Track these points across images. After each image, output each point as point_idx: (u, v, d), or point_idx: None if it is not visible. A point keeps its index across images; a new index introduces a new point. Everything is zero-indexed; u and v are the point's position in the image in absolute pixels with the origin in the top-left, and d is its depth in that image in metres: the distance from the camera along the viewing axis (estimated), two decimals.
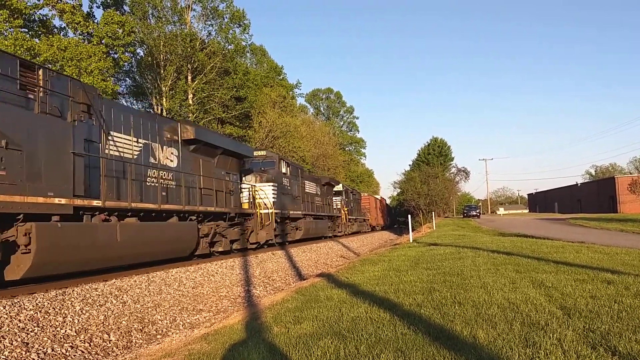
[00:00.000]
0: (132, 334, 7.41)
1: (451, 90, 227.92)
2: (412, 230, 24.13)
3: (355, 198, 39.77)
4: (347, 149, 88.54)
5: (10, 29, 22.89)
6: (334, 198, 29.93)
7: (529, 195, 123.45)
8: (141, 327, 7.77)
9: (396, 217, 79.89)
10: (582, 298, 5.84)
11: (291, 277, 14.66)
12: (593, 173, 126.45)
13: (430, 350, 4.07)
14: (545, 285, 6.82)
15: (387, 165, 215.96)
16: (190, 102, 37.04)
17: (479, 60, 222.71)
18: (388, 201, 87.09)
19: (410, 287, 7.46)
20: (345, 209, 34.46)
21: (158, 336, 7.57)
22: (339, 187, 33.23)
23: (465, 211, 69.85)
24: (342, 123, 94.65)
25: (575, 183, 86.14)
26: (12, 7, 22.76)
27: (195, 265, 12.79)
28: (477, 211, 69.54)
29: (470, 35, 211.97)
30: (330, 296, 7.19)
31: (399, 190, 66.81)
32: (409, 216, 24.50)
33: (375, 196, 57.58)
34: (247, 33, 42.17)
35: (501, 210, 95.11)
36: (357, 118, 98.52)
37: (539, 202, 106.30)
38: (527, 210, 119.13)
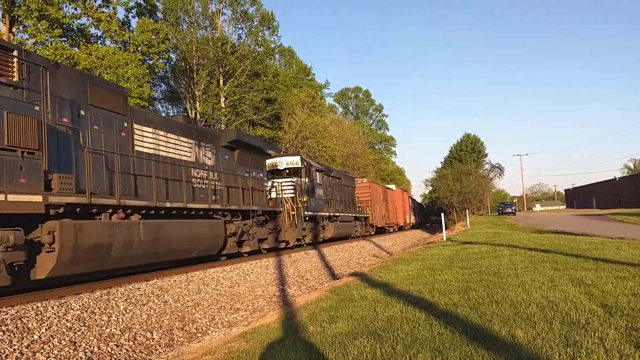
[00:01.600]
0: (173, 332, 7.65)
1: (484, 85, 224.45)
2: (446, 229, 23.91)
3: (339, 183, 26.91)
4: (376, 147, 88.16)
5: (50, 38, 23.68)
6: (281, 181, 19.18)
7: (565, 190, 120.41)
8: (182, 326, 8.00)
9: (428, 216, 79.13)
10: (623, 296, 5.72)
11: (324, 277, 14.76)
12: (632, 167, 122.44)
13: (468, 350, 4.06)
14: (584, 283, 6.71)
15: (419, 163, 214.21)
16: (223, 105, 37.59)
17: (512, 53, 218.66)
18: (420, 199, 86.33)
19: (445, 286, 7.41)
20: (304, 198, 20.16)
21: (198, 334, 7.78)
22: (292, 163, 21.30)
23: (500, 208, 68.74)
24: (371, 121, 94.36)
25: (613, 177, 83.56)
26: (51, 18, 23.54)
27: (232, 265, 13.03)
28: (513, 208, 68.19)
29: (503, 27, 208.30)
30: (364, 295, 7.22)
31: (430, 188, 66.19)
32: (442, 214, 24.29)
33: (389, 187, 44.88)
34: (276, 35, 42.57)
35: (537, 207, 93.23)
36: (387, 116, 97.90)
37: (577, 197, 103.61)
38: (564, 207, 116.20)
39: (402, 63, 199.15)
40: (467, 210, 44.18)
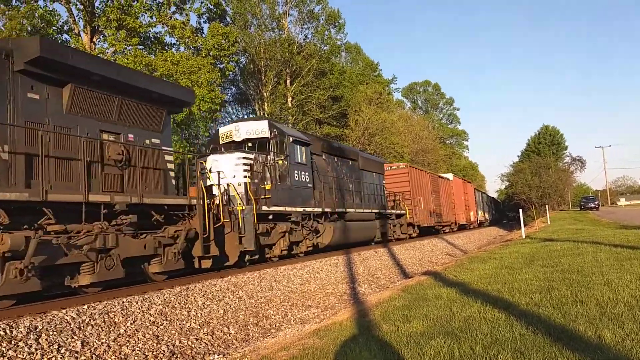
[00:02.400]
0: (248, 327, 7.84)
1: (562, 76, 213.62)
2: (524, 226, 23.00)
3: (351, 166, 19.57)
4: (447, 142, 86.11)
5: (128, 47, 25.00)
6: (219, 158, 12.98)
7: None
8: (256, 321, 8.19)
9: (505, 212, 76.56)
10: None
11: (395, 275, 14.62)
12: None
13: (552, 351, 3.91)
14: None
15: (494, 157, 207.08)
16: (290, 105, 38.16)
17: (591, 42, 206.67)
18: (495, 195, 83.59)
19: (525, 285, 7.16)
20: (267, 185, 13.44)
21: (272, 330, 7.94)
22: (255, 131, 14.40)
23: (582, 203, 65.57)
24: (441, 116, 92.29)
25: None
26: (128, 27, 24.85)
27: (302, 263, 13.19)
28: (595, 203, 64.71)
29: (579, 15, 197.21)
30: (439, 295, 7.09)
31: (507, 183, 63.93)
32: (520, 210, 23.36)
33: (443, 175, 35.60)
34: (342, 32, 42.65)
35: (622, 201, 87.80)
36: (458, 110, 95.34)
37: None
38: None
39: (474, 53, 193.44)
40: (546, 206, 42.28)
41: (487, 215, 53.25)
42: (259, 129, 14.03)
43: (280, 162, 13.75)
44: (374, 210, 20.24)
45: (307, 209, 14.66)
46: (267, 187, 12.90)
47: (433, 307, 6.18)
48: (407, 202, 25.00)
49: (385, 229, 21.82)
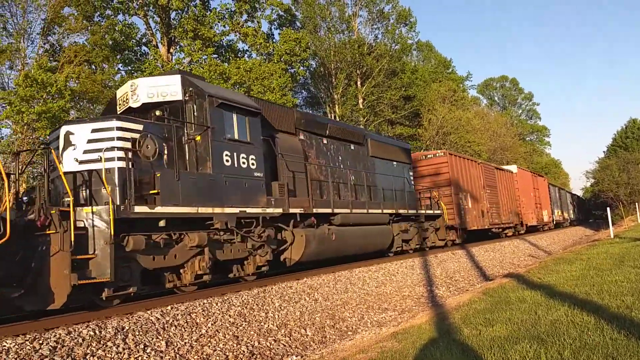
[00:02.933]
0: (325, 329, 7.88)
1: None
2: (612, 225, 21.61)
3: (352, 152, 14.86)
4: (527, 139, 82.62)
5: (204, 56, 26.10)
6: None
7: None
8: (333, 324, 8.22)
9: (591, 211, 72.38)
10: None
11: (475, 278, 14.19)
12: None
13: None
14: None
15: (578, 153, 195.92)
16: (361, 106, 38.15)
17: None
18: (579, 193, 79.16)
19: (616, 287, 6.80)
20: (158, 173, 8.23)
21: (349, 332, 7.93)
22: (158, 92, 9.41)
23: None
24: (520, 112, 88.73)
25: None
26: (203, 37, 25.92)
27: (376, 265, 13.10)
28: None
29: None
30: (522, 298, 6.84)
31: (592, 180, 60.45)
32: (608, 209, 21.97)
33: (504, 168, 30.15)
34: (414, 31, 42.10)
35: None
36: (538, 105, 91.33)
37: None
38: None
39: (554, 46, 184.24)
40: (636, 204, 39.52)
41: (568, 214, 47.30)
42: (167, 88, 9.33)
43: (198, 137, 9.07)
44: (387, 211, 14.84)
45: (251, 210, 9.61)
46: (158, 175, 8.02)
47: (517, 311, 5.98)
48: (446, 199, 19.57)
49: (419, 234, 17.28)
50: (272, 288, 9.00)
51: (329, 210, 12.18)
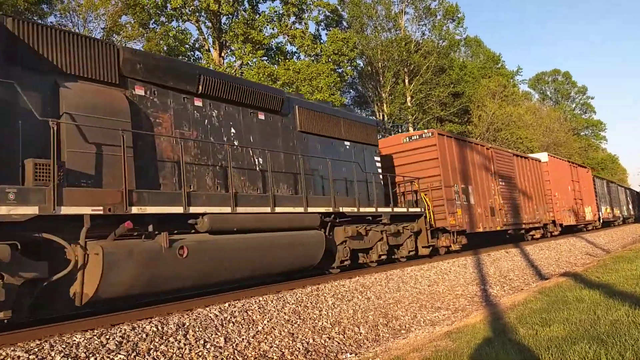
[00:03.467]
0: (378, 328, 7.96)
1: None
2: None
3: (227, 115, 9.61)
4: (582, 134, 79.57)
5: (254, 59, 26.66)
6: None
7: None
8: (386, 322, 8.28)
9: None
10: None
11: (530, 277, 13.89)
12: None
13: None
14: None
15: (636, 148, 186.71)
16: (409, 104, 37.86)
17: None
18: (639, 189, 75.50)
19: None
20: None
21: (402, 331, 7.97)
22: None
23: None
24: (574, 106, 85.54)
25: None
26: (254, 40, 26.47)
27: (428, 264, 13.03)
28: None
29: None
30: (580, 297, 6.70)
31: None
32: None
33: (532, 156, 24.94)
34: (462, 26, 41.45)
35: None
36: (592, 98, 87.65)
37: None
38: None
39: (607, 36, 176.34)
40: None
41: (620, 211, 42.08)
42: None
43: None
44: (316, 209, 10.20)
45: None
46: None
47: (574, 311, 5.87)
48: (436, 193, 15.09)
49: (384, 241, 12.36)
50: (325, 286, 9.14)
51: (176, 210, 7.41)
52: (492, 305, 7.85)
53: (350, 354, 6.61)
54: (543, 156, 25.37)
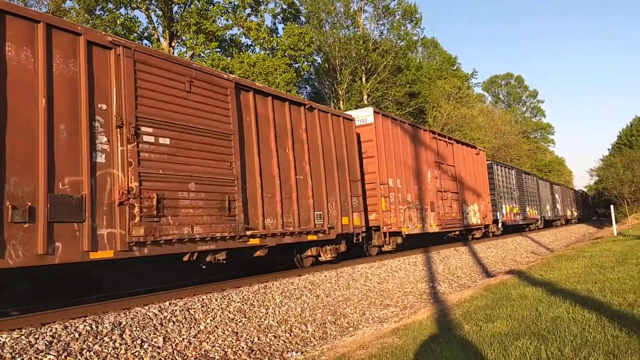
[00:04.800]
0: (326, 325, 7.86)
1: None
2: (616, 222, 21.50)
3: None
4: (531, 136, 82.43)
5: (207, 50, 26.08)
6: None
7: None
8: (334, 320, 8.20)
9: (594, 209, 72.23)
10: None
11: (477, 274, 14.16)
12: None
13: None
14: None
15: (582, 151, 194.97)
16: (366, 102, 38.07)
17: None
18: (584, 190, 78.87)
19: (618, 285, 6.79)
20: None
21: (350, 329, 7.91)
22: None
23: None
24: (524, 109, 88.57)
25: None
26: (207, 31, 25.87)
27: (379, 262, 13.06)
28: None
29: None
30: (523, 294, 6.82)
31: (596, 178, 60.35)
32: (612, 207, 21.86)
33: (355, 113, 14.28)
34: (419, 27, 42.07)
35: None
36: (542, 102, 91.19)
37: None
38: None
39: (559, 43, 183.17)
40: None
41: (553, 212, 37.91)
42: None
43: None
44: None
45: None
46: None
47: (518, 307, 5.96)
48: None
49: None
50: (273, 284, 8.98)
51: None
52: (439, 302, 7.91)
53: (296, 352, 6.48)
54: (363, 113, 14.52)
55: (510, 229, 27.07)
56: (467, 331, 5.10)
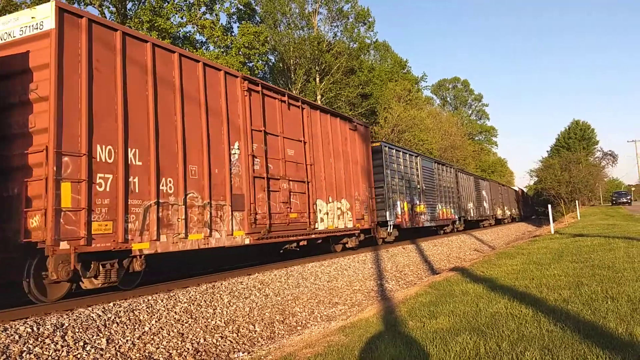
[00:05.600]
0: (274, 325, 7.86)
1: (593, 70, 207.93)
2: (553, 221, 22.49)
3: None
4: (476, 138, 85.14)
5: None
6: None
7: None
8: (282, 319, 8.20)
9: (534, 208, 75.30)
10: None
11: (423, 271, 14.48)
12: None
13: (581, 349, 3.82)
14: None
15: (523, 153, 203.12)
16: (319, 102, 38.21)
17: (622, 37, 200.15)
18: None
19: (554, 281, 7.03)
20: None
21: (298, 327, 7.94)
22: None
23: (613, 198, 64.64)
24: (470, 112, 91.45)
25: None
26: (160, 28, 25.25)
27: (329, 260, 13.16)
28: (628, 197, 63.76)
29: (607, 9, 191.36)
30: (465, 291, 7.00)
31: (536, 178, 62.93)
32: (549, 206, 22.85)
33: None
34: (372, 30, 42.61)
35: None
36: (487, 105, 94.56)
37: None
38: None
39: (503, 49, 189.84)
40: (576, 201, 41.32)
41: (477, 212, 33.06)
42: None
43: None
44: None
45: None
46: None
47: (460, 303, 6.11)
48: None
49: None
50: (221, 284, 8.89)
51: None
52: (386, 300, 8.02)
53: (243, 352, 6.45)
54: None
55: (409, 233, 21.65)
56: (411, 328, 5.20)
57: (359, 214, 15.73)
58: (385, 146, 18.89)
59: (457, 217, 27.28)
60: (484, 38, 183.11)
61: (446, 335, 4.64)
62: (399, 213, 19.02)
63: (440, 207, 24.51)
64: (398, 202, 19.04)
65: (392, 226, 17.98)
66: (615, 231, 16.05)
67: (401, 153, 20.57)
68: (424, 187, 22.50)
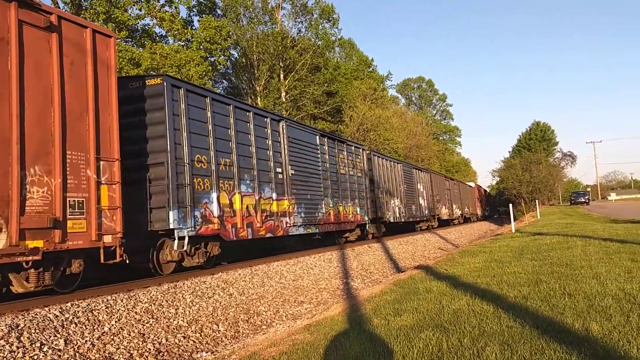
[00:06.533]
0: (239, 324, 7.78)
1: (553, 72, 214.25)
2: (514, 220, 23.06)
3: None
4: (441, 138, 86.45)
5: (118, 39, 24.76)
6: None
7: None
8: (247, 318, 8.13)
9: (496, 207, 77.08)
10: None
11: (388, 270, 14.62)
12: None
13: (539, 344, 3.92)
14: None
15: (486, 153, 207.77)
16: (284, 99, 38.02)
17: (584, 38, 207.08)
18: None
19: (514, 278, 7.18)
20: None
21: (263, 326, 7.89)
22: None
23: (572, 198, 66.75)
24: (435, 112, 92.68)
25: None
26: (117, 20, 24.55)
27: (295, 259, 13.13)
28: (586, 197, 65.93)
29: (573, 10, 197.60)
30: (429, 288, 7.09)
31: (498, 178, 64.42)
32: (510, 205, 23.41)
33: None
34: (337, 27, 42.59)
35: (613, 196, 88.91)
36: (451, 106, 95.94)
37: None
38: None
39: (466, 50, 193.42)
40: (536, 201, 42.47)
41: (408, 212, 25.49)
42: None
43: None
44: None
45: None
46: None
47: (423, 301, 6.18)
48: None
49: None
50: (184, 283, 8.74)
51: None
52: (352, 298, 8.06)
53: (206, 352, 6.36)
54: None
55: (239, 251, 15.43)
56: (376, 325, 5.23)
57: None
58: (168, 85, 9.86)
59: (367, 218, 19.94)
60: (448, 38, 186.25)
61: (410, 332, 4.69)
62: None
63: (331, 205, 16.55)
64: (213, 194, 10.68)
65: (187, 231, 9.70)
66: (574, 230, 16.55)
67: (227, 106, 11.70)
68: (293, 173, 14.22)
